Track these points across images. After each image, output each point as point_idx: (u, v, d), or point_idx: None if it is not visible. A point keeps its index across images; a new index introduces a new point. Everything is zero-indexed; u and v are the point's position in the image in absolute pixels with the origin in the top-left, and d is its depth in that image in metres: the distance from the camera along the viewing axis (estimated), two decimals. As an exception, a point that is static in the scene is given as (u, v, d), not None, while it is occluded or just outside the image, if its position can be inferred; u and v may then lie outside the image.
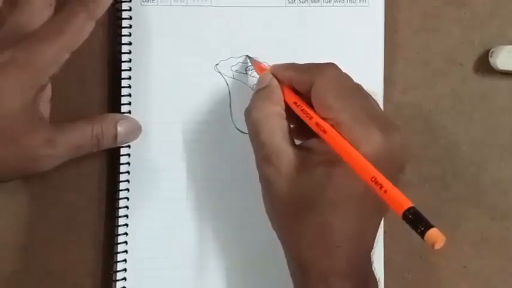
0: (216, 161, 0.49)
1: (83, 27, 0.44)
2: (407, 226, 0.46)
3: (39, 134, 0.43)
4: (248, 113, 0.42)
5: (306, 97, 0.41)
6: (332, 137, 0.38)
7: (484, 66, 0.50)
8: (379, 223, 0.40)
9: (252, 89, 0.48)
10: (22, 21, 0.44)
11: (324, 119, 0.39)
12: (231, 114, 0.49)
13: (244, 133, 0.48)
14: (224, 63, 0.48)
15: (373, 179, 0.35)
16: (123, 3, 0.48)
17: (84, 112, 0.49)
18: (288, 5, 0.49)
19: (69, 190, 0.49)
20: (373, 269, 0.40)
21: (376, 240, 0.40)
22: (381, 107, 0.48)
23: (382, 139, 0.37)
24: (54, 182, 0.48)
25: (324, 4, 0.49)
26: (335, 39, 0.49)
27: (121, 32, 0.48)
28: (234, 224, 0.49)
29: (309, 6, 0.49)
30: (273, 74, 0.43)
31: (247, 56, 0.48)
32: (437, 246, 0.32)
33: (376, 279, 0.41)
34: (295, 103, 0.41)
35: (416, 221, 0.32)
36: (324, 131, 0.38)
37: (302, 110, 0.40)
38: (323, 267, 0.38)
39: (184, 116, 0.48)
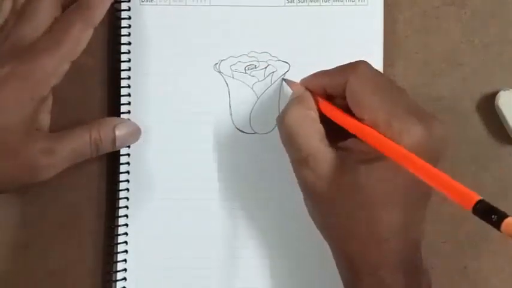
0: (215, 160, 0.48)
1: (80, 36, 0.44)
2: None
3: (37, 145, 0.44)
4: (281, 119, 0.41)
5: (339, 102, 0.41)
6: (374, 136, 0.37)
7: (483, 66, 0.50)
8: (425, 214, 0.40)
9: (251, 88, 0.49)
10: (26, 34, 0.45)
11: (361, 118, 0.39)
12: (231, 113, 0.48)
13: (244, 132, 0.48)
14: (223, 63, 0.48)
15: (432, 175, 0.34)
16: (122, 3, 0.48)
17: (84, 112, 0.49)
18: (286, 4, 0.49)
19: (69, 190, 0.49)
20: (424, 259, 0.40)
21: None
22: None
23: (422, 131, 0.37)
24: (54, 182, 0.48)
25: (323, 3, 0.49)
26: (334, 38, 0.49)
27: (120, 32, 0.48)
28: (234, 224, 0.49)
29: (308, 5, 0.49)
30: (306, 86, 0.43)
31: (283, 79, 0.48)
32: None
33: (427, 270, 0.40)
34: (330, 110, 0.41)
35: (488, 214, 0.31)
36: (368, 134, 0.38)
37: (339, 115, 0.40)
38: (372, 261, 0.38)
39: (183, 116, 0.48)
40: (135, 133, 0.48)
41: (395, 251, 0.38)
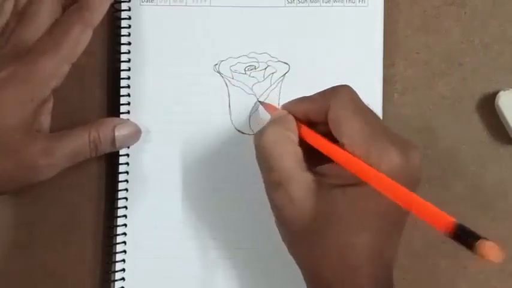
0: (214, 161, 0.48)
1: (80, 38, 0.45)
2: (407, 226, 0.46)
3: (37, 145, 0.44)
4: (258, 137, 0.40)
5: (321, 129, 0.40)
6: (356, 164, 0.37)
7: (483, 66, 0.50)
8: (399, 240, 0.40)
9: (251, 89, 0.48)
10: (27, 37, 0.45)
11: (341, 142, 0.38)
12: (230, 114, 0.48)
13: (243, 133, 0.48)
14: (223, 64, 0.48)
15: (411, 201, 0.34)
16: (122, 3, 0.48)
17: (84, 112, 0.49)
18: (287, 5, 0.49)
19: (69, 190, 0.49)
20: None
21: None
22: (381, 107, 0.48)
23: (400, 158, 0.37)
24: (54, 182, 0.48)
25: (323, 4, 0.49)
26: (334, 39, 0.49)
27: (120, 32, 0.48)
28: (232, 224, 0.49)
29: (308, 6, 0.49)
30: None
31: (258, 100, 0.48)
32: (496, 260, 0.29)
33: None
34: (310, 134, 0.40)
35: (466, 236, 0.30)
36: (347, 159, 0.37)
37: (318, 139, 0.39)
38: None
39: (183, 116, 0.48)
40: (135, 134, 0.48)
41: (369, 276, 0.37)
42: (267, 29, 0.49)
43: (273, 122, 0.41)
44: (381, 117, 0.48)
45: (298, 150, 0.40)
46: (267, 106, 0.47)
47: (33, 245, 0.49)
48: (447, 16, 0.50)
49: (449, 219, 0.32)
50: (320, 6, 0.49)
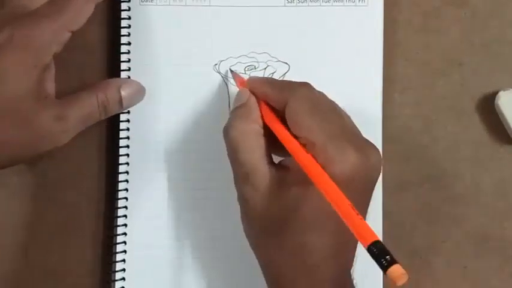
0: (214, 161, 0.48)
1: (82, 8, 0.44)
2: (407, 226, 0.47)
3: (48, 112, 0.43)
4: (226, 132, 0.42)
5: (281, 113, 0.41)
6: (305, 162, 0.37)
7: (484, 66, 0.50)
8: (356, 244, 0.39)
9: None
10: (22, 3, 0.43)
11: (297, 138, 0.39)
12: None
13: (243, 133, 0.48)
14: (223, 63, 0.48)
15: (344, 207, 0.34)
16: (122, 3, 0.48)
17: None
18: (286, 4, 0.49)
19: (69, 190, 0.49)
20: (355, 286, 0.40)
21: (355, 257, 0.40)
22: (381, 107, 0.48)
23: (356, 158, 0.37)
24: (54, 182, 0.48)
25: (323, 4, 0.49)
26: (334, 39, 0.49)
27: (120, 32, 0.48)
28: (233, 224, 0.48)
29: (308, 6, 0.49)
30: (250, 89, 0.43)
31: (229, 69, 0.48)
32: (399, 283, 0.31)
33: None
34: (272, 123, 0.41)
35: (381, 256, 0.32)
36: (298, 155, 0.38)
37: (279, 131, 0.40)
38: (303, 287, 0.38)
39: (183, 116, 0.48)
40: (140, 92, 0.48)
41: (326, 278, 0.38)
42: (267, 29, 0.49)
43: (238, 113, 0.42)
44: (381, 118, 0.48)
45: (262, 143, 0.41)
46: (236, 77, 0.47)
47: (33, 245, 0.49)
48: (447, 16, 0.50)
49: (373, 236, 0.32)
50: (320, 6, 0.49)
